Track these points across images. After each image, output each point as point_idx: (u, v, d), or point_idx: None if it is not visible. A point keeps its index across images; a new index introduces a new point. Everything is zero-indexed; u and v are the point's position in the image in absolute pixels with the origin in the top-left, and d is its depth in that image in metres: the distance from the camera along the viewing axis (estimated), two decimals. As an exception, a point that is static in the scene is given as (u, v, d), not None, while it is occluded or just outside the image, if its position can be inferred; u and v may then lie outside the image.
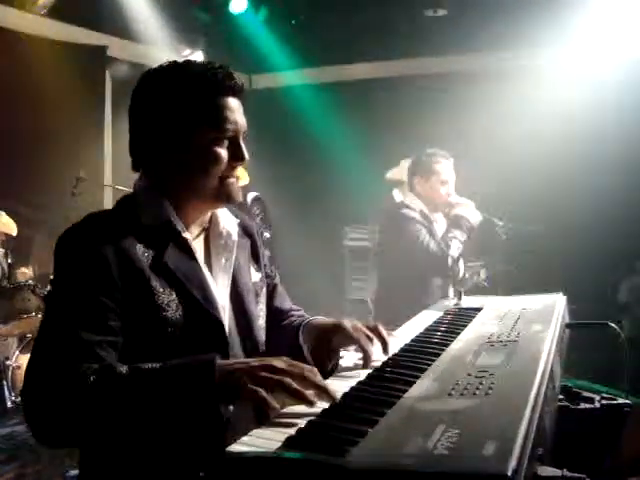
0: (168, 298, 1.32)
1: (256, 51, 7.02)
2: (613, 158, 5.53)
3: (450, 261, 3.19)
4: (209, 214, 1.51)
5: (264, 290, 1.60)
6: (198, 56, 6.67)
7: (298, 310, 1.71)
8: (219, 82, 1.39)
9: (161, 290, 1.32)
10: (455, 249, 3.20)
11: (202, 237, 1.50)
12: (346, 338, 1.44)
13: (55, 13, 5.35)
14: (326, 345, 1.48)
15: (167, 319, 1.31)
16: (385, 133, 6.51)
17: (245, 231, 1.60)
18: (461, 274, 3.53)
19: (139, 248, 1.33)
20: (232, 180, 1.42)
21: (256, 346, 1.50)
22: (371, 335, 1.43)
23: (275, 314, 1.64)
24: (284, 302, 1.70)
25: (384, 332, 1.45)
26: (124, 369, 1.16)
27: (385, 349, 1.42)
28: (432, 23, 6.33)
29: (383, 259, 3.58)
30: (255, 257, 1.61)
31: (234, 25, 6.68)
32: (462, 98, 6.09)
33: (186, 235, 1.41)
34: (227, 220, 1.53)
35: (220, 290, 1.44)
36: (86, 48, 5.81)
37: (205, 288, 1.39)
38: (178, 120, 1.38)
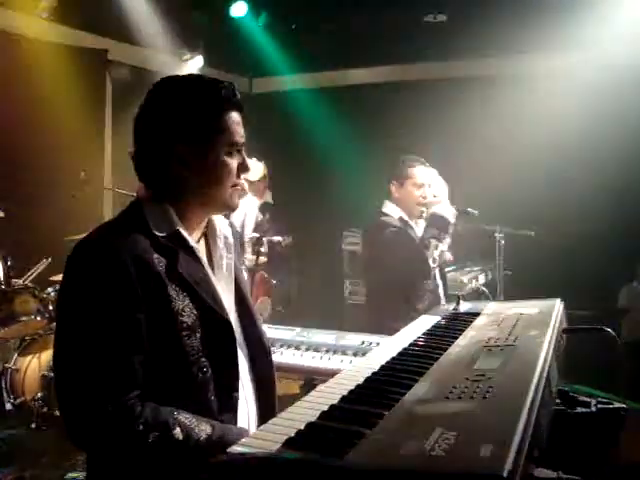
0: (183, 304, 1.39)
1: (256, 55, 7.05)
2: (612, 162, 5.54)
3: (431, 261, 3.19)
4: (206, 220, 1.58)
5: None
6: (198, 60, 6.70)
7: None
8: (227, 98, 1.48)
9: (176, 297, 1.39)
10: (433, 248, 3.20)
11: (202, 241, 1.57)
12: None
13: (57, 16, 5.37)
14: None
15: (183, 323, 1.38)
16: (384, 137, 6.53)
17: (230, 232, 1.69)
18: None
19: (155, 257, 1.39)
20: (239, 189, 1.53)
21: (260, 339, 1.61)
22: None
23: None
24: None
25: None
26: (180, 434, 1.28)
27: None
28: (432, 28, 6.35)
29: (368, 269, 3.58)
30: (238, 259, 1.74)
31: (234, 29, 6.70)
32: (461, 103, 6.12)
33: (193, 244, 1.48)
34: (222, 223, 1.62)
35: (225, 292, 1.54)
36: (87, 51, 5.83)
37: (214, 292, 1.47)
38: (191, 134, 1.45)
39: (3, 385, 4.29)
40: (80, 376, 1.30)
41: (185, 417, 1.33)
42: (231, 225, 1.71)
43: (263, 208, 5.62)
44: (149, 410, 1.30)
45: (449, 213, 3.29)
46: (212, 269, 1.54)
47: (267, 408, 1.59)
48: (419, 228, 3.40)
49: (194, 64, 6.71)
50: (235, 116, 1.49)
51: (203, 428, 1.32)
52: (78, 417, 1.31)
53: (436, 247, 3.20)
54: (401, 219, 3.34)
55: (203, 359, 1.40)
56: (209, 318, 1.43)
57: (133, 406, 1.29)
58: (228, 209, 1.56)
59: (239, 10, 6.55)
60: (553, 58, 5.88)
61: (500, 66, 6.31)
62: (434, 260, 3.20)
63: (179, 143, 1.44)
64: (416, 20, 6.35)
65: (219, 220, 1.62)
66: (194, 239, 1.51)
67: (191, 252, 1.47)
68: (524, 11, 5.56)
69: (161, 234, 1.43)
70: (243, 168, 1.51)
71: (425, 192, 3.35)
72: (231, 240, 1.61)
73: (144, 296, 1.34)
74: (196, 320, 1.40)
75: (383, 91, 7.09)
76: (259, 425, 1.53)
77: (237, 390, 1.47)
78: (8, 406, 4.26)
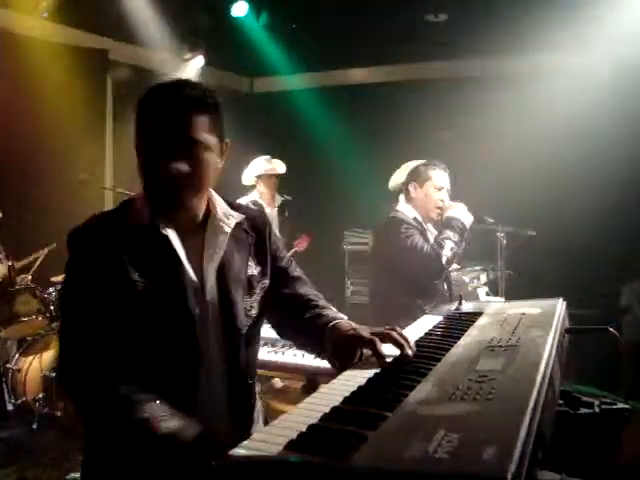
0: (146, 289, 1.50)
1: (257, 55, 7.05)
2: (613, 162, 5.54)
3: (444, 261, 3.19)
4: (198, 210, 1.62)
5: (262, 284, 1.72)
6: (199, 60, 6.70)
7: (316, 297, 1.80)
8: (158, 98, 1.52)
9: (140, 279, 1.50)
10: (448, 250, 3.20)
11: (196, 229, 1.63)
12: (363, 344, 1.49)
13: (57, 16, 5.38)
14: (346, 351, 1.53)
15: (145, 309, 1.49)
16: (385, 137, 6.53)
17: (253, 226, 1.74)
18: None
19: (125, 244, 1.52)
20: (172, 187, 1.52)
21: (236, 332, 1.64)
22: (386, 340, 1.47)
23: (291, 300, 1.77)
24: (299, 288, 1.80)
25: (396, 335, 1.46)
26: (145, 413, 1.36)
27: (402, 351, 1.41)
28: (433, 28, 6.34)
29: (377, 263, 3.57)
30: (258, 252, 1.73)
31: (235, 29, 6.70)
32: (462, 102, 6.11)
33: (166, 232, 1.56)
34: (224, 215, 1.66)
35: (209, 278, 1.60)
36: (88, 51, 5.83)
37: (180, 282, 1.55)
38: (137, 136, 1.55)
39: (4, 385, 4.29)
40: (66, 345, 1.52)
41: (158, 405, 1.39)
42: (254, 220, 1.75)
43: (282, 207, 5.64)
44: (128, 385, 1.42)
45: (466, 218, 3.31)
46: (201, 256, 1.60)
47: (240, 405, 1.66)
48: (430, 232, 3.42)
49: (195, 64, 6.71)
50: (161, 117, 1.49)
51: (169, 419, 1.37)
52: (73, 382, 1.48)
53: (451, 249, 3.21)
54: (415, 219, 3.36)
55: (164, 345, 1.51)
56: (170, 302, 1.52)
57: (115, 375, 1.43)
58: (166, 207, 1.57)
59: (240, 10, 6.55)
60: (555, 58, 5.87)
61: (502, 66, 6.31)
62: (447, 261, 3.21)
63: (136, 144, 1.55)
64: (417, 19, 6.34)
65: (222, 211, 1.66)
66: (180, 228, 1.58)
67: (163, 241, 1.55)
68: (525, 11, 5.55)
69: (136, 224, 1.55)
70: (167, 169, 1.49)
71: (444, 195, 3.39)
72: (227, 231, 1.64)
73: (109, 278, 1.48)
74: (157, 304, 1.50)
75: (384, 91, 7.09)
76: (228, 418, 1.61)
77: (197, 381, 1.53)
78: (9, 406, 4.26)
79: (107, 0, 5.46)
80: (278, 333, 1.88)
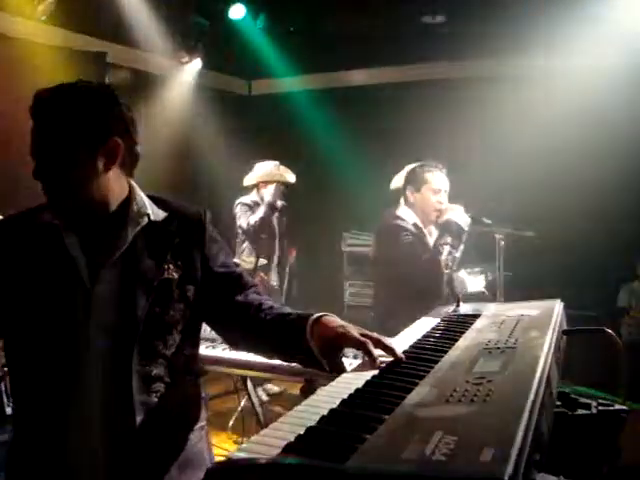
0: (29, 284, 1.49)
1: (255, 57, 7.06)
2: (613, 162, 5.55)
3: (443, 265, 3.20)
4: (101, 206, 1.56)
5: (185, 290, 1.59)
6: (197, 63, 6.70)
7: (270, 300, 1.68)
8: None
9: (27, 276, 1.50)
10: (446, 254, 3.22)
11: (105, 226, 1.57)
12: (353, 344, 1.43)
13: (55, 19, 5.37)
14: (335, 350, 1.46)
15: (37, 303, 1.48)
16: (384, 139, 6.54)
17: (183, 227, 1.63)
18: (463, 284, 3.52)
19: (25, 240, 1.53)
20: (43, 188, 1.56)
21: (133, 331, 1.51)
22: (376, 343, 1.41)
23: (244, 306, 1.64)
24: (252, 294, 1.67)
25: (387, 341, 1.42)
26: None
27: (394, 357, 1.38)
28: (431, 29, 6.36)
29: (378, 270, 3.58)
30: (184, 255, 1.61)
31: (233, 31, 6.71)
32: (461, 104, 6.12)
33: (68, 239, 1.51)
34: (138, 211, 1.59)
35: (105, 275, 1.52)
36: (86, 54, 5.83)
37: (60, 274, 1.50)
38: None
39: (3, 389, 4.28)
40: None
41: None
42: (186, 221, 1.65)
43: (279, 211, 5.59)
44: None
45: (464, 221, 3.31)
46: (108, 253, 1.53)
47: (123, 447, 1.50)
48: (431, 236, 3.42)
49: (192, 67, 6.71)
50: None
51: None
52: None
53: (449, 253, 3.22)
54: (415, 225, 3.36)
55: (40, 358, 1.49)
56: (57, 298, 1.48)
57: None
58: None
59: (237, 12, 6.55)
60: (553, 58, 5.88)
61: (499, 66, 6.31)
62: (446, 266, 3.22)
63: None
64: (415, 21, 6.35)
65: (140, 209, 1.59)
66: (78, 226, 1.54)
67: (58, 238, 1.51)
68: (523, 11, 5.56)
69: (40, 221, 1.54)
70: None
71: (442, 197, 3.38)
72: (135, 228, 1.56)
73: (10, 269, 1.51)
74: (46, 299, 1.48)
75: (382, 92, 7.10)
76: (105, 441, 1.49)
77: (71, 393, 1.47)
78: (8, 410, 4.25)
79: (105, 3, 5.47)
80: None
